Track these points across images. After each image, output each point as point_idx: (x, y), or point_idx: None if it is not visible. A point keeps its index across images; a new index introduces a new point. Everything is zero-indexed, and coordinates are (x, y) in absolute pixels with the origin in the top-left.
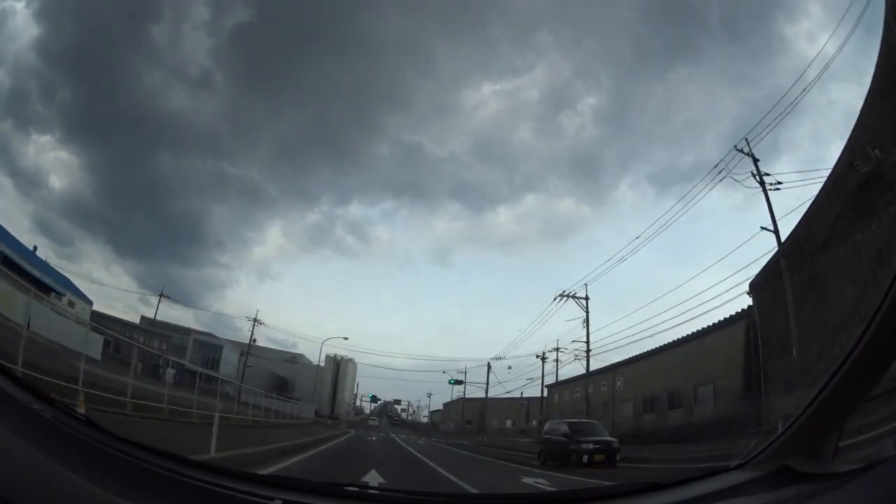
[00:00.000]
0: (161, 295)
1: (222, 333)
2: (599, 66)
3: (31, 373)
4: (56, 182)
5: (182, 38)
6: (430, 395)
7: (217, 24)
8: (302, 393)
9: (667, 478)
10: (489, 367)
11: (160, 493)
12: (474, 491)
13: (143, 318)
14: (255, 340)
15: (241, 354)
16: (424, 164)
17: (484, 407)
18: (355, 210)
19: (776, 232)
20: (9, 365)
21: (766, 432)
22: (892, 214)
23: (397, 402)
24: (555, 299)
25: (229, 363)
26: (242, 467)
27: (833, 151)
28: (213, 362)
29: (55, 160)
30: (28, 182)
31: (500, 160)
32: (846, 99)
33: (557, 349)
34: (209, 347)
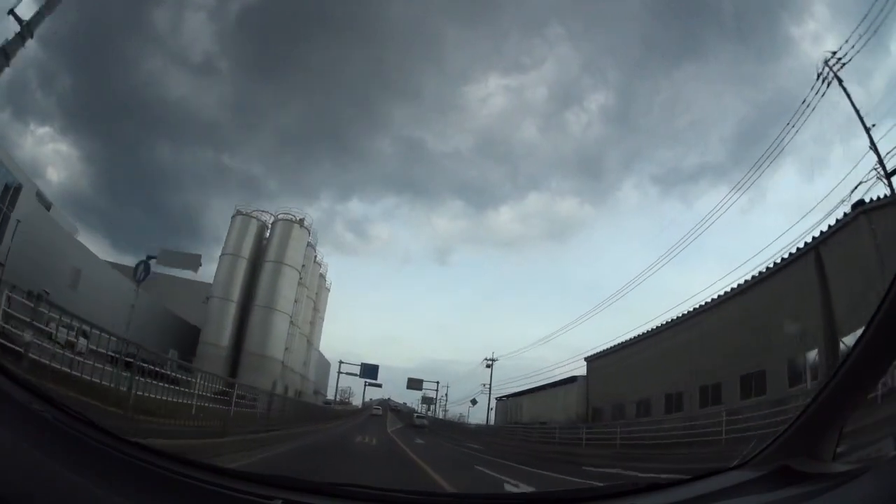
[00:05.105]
0: None
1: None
2: (607, 62)
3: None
4: (54, 175)
5: (182, 23)
6: (491, 363)
7: (219, 8)
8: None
9: (666, 477)
10: None
11: (160, 492)
12: (475, 491)
13: None
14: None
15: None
16: (427, 159)
17: None
18: (356, 207)
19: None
20: (9, 365)
21: (766, 432)
22: None
23: (416, 383)
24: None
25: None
26: (242, 467)
27: (835, 153)
28: None
29: (54, 152)
30: (27, 174)
31: (503, 157)
32: (846, 100)
33: None
34: None
